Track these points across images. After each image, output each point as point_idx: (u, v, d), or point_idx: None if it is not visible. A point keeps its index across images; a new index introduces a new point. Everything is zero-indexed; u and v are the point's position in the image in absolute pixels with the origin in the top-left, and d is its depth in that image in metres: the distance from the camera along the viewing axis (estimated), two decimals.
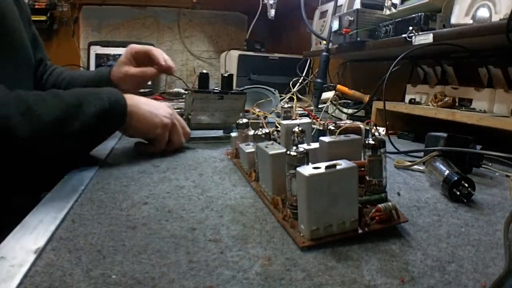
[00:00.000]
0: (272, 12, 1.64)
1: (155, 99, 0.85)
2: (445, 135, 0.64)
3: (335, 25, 1.20)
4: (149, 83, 2.19)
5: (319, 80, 1.29)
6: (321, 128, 0.69)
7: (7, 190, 0.58)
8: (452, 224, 0.42)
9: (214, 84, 2.04)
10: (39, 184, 0.56)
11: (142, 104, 0.64)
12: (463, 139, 0.63)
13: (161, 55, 0.84)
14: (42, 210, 0.41)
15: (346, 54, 1.39)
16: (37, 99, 0.52)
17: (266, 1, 1.65)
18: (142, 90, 1.31)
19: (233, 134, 0.69)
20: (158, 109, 0.67)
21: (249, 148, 0.57)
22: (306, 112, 0.90)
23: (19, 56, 0.66)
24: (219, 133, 0.89)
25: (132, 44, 0.87)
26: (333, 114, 1.23)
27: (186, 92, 0.83)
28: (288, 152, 0.39)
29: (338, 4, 1.36)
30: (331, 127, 0.52)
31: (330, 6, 1.45)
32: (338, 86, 1.28)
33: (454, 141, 0.63)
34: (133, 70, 0.84)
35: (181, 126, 0.72)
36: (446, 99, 0.89)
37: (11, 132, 0.47)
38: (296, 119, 0.65)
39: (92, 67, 2.15)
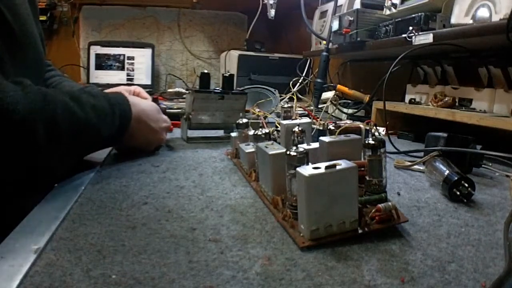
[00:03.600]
0: (272, 12, 1.63)
1: (154, 99, 0.84)
2: (445, 135, 0.64)
3: (335, 25, 1.20)
4: (149, 83, 2.20)
5: (319, 80, 1.29)
6: (321, 128, 0.69)
7: (7, 190, 0.58)
8: (452, 224, 0.42)
9: (215, 84, 2.04)
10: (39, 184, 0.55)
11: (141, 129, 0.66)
12: (463, 139, 0.63)
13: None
14: (42, 210, 0.41)
15: (346, 54, 1.39)
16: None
17: (266, 1, 1.64)
18: None
19: (233, 134, 0.69)
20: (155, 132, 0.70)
21: (249, 148, 0.57)
22: (306, 112, 0.90)
23: (32, 59, 0.64)
24: (220, 133, 0.89)
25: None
26: (333, 114, 1.23)
27: (187, 91, 0.83)
28: (288, 152, 0.39)
29: (338, 4, 1.36)
30: (331, 127, 0.51)
31: (330, 6, 1.45)
32: (338, 86, 1.28)
33: (454, 141, 0.63)
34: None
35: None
36: (446, 99, 0.89)
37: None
38: (296, 119, 0.65)
39: (92, 67, 2.15)
